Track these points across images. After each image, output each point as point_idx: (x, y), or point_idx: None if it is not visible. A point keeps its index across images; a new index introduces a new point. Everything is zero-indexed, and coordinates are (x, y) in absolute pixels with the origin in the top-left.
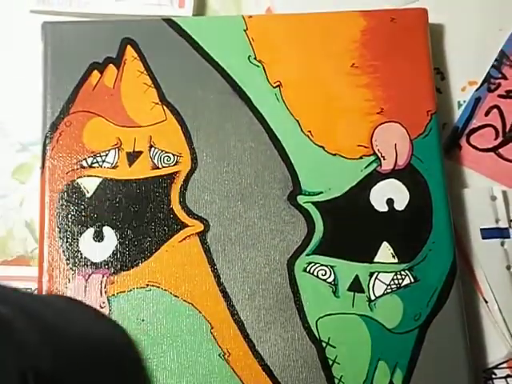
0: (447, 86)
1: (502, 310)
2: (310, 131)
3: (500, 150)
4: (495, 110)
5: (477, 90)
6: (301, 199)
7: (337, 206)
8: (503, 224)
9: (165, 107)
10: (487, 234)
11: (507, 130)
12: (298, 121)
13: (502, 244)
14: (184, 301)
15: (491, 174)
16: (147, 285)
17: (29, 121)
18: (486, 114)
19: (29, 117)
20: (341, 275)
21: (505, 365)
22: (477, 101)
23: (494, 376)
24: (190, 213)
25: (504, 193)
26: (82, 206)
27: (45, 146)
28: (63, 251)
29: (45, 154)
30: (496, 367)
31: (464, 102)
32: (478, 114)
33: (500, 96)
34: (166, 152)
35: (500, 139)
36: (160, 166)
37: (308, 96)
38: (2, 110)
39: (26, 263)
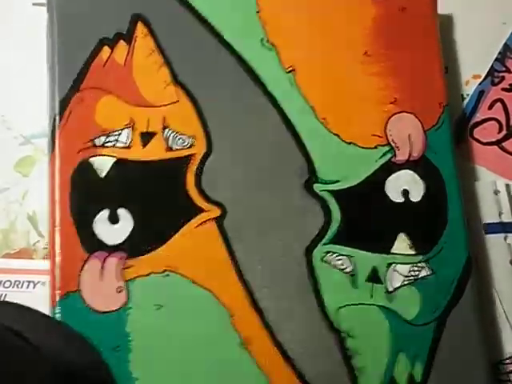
0: (451, 79)
1: (505, 304)
2: (324, 118)
3: (503, 144)
4: (499, 104)
5: (480, 83)
6: (317, 187)
7: (353, 195)
8: (506, 218)
9: (177, 88)
10: (490, 228)
11: (511, 123)
12: (312, 107)
13: (505, 238)
14: (202, 287)
15: (494, 167)
16: (164, 270)
17: (31, 114)
18: (490, 107)
19: (31, 110)
20: (359, 265)
21: (509, 360)
22: (480, 94)
23: (498, 371)
24: (206, 197)
25: (507, 186)
26: (96, 187)
27: (54, 123)
28: (77, 233)
29: (54, 132)
30: (500, 362)
31: (467, 95)
32: (481, 108)
33: (504, 89)
34: (180, 134)
35: (503, 133)
36: (174, 148)
37: (322, 82)
38: (5, 102)
39: (29, 256)
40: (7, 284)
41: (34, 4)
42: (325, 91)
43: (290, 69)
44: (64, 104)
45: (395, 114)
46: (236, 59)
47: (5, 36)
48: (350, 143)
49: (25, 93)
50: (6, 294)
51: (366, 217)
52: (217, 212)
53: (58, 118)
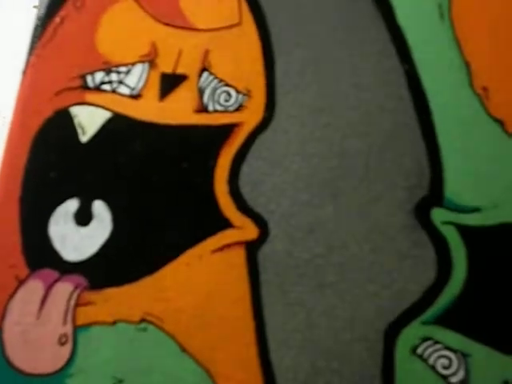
0: None
1: None
2: (485, 88)
3: None
4: None
5: None
6: (438, 215)
7: (504, 237)
8: None
9: (243, 2)
10: None
11: None
12: (468, 64)
13: None
14: (197, 362)
15: None
16: (142, 319)
17: None
18: None
19: None
20: (477, 373)
21: None
22: None
23: None
24: (241, 204)
25: None
26: (69, 157)
27: (34, 40)
28: (22, 232)
29: (32, 51)
30: None
31: None
32: None
33: None
34: (227, 84)
35: None
36: (211, 109)
37: (497, 21)
38: (6, 103)
39: None
40: None
41: (34, 7)
42: (497, 38)
43: None
44: (55, 5)
45: None
46: None
47: (7, 38)
48: None
49: None
50: None
51: None
52: (253, 232)
53: (40, 26)
